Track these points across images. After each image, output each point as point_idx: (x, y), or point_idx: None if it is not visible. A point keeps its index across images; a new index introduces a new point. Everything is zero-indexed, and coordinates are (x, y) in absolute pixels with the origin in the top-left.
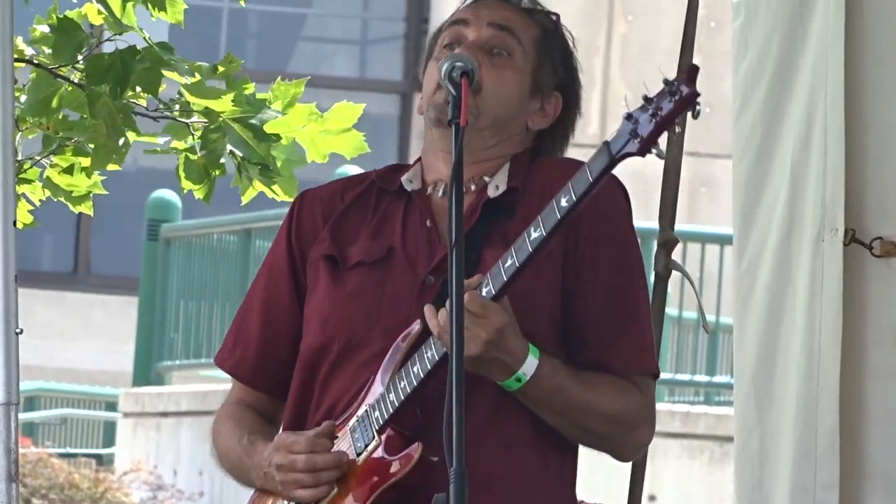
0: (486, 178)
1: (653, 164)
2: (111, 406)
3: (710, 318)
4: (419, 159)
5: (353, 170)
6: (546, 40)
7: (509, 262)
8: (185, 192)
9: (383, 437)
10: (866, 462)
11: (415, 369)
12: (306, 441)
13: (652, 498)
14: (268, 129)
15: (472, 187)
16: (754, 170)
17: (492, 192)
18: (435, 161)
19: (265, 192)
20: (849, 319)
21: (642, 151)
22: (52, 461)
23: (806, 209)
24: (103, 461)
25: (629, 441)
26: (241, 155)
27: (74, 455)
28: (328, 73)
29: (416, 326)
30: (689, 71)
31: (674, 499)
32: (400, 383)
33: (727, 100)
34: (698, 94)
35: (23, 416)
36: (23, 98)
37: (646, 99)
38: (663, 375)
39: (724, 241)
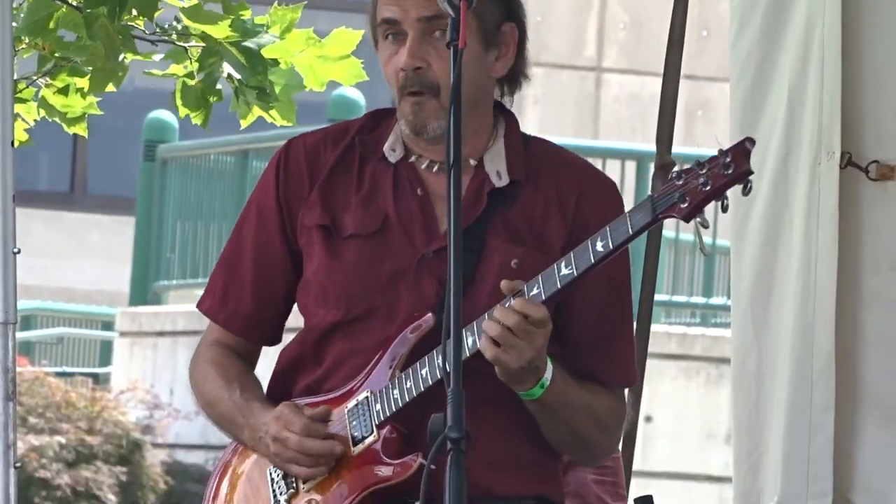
0: (472, 161)
1: (650, 87)
2: (108, 325)
3: (707, 240)
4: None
5: (352, 93)
6: None
7: (535, 291)
8: (183, 117)
9: (382, 432)
10: (861, 386)
11: (423, 372)
12: (302, 424)
13: (648, 419)
14: (265, 53)
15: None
16: (751, 93)
17: (496, 181)
18: (415, 143)
19: (263, 116)
20: (845, 243)
21: (687, 218)
22: (49, 380)
23: (803, 133)
24: (100, 380)
25: (607, 446)
26: (238, 79)
27: (71, 374)
28: None
29: (428, 320)
30: (744, 146)
31: (670, 420)
32: (406, 382)
33: (725, 23)
34: (751, 173)
35: (19, 335)
36: (19, 17)
37: (698, 163)
38: (660, 297)
39: None
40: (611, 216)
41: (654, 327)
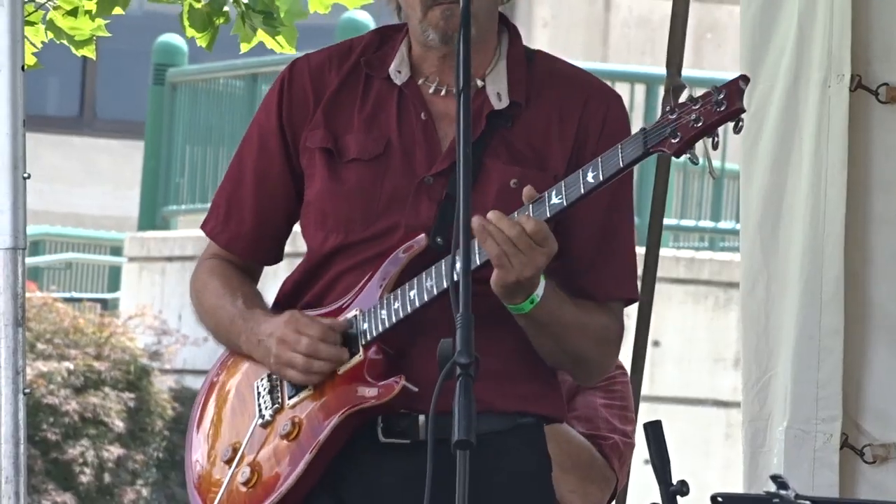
0: (480, 82)
1: (660, 10)
2: (116, 251)
3: (716, 163)
4: (405, 34)
5: (361, 15)
6: None
7: (529, 213)
8: (190, 38)
9: (368, 353)
10: (870, 308)
11: (412, 294)
12: (320, 328)
13: (656, 343)
14: None
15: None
16: (761, 16)
17: (496, 103)
18: (426, 54)
19: (266, 42)
20: (854, 166)
21: (678, 153)
22: (57, 305)
23: (813, 55)
24: (108, 306)
25: (604, 365)
26: (244, 2)
27: (79, 300)
28: None
29: (421, 241)
30: (737, 86)
31: (677, 344)
32: (394, 303)
33: None
34: (744, 111)
35: (28, 260)
36: None
37: (692, 98)
38: (668, 221)
39: None
40: (613, 130)
41: (662, 251)
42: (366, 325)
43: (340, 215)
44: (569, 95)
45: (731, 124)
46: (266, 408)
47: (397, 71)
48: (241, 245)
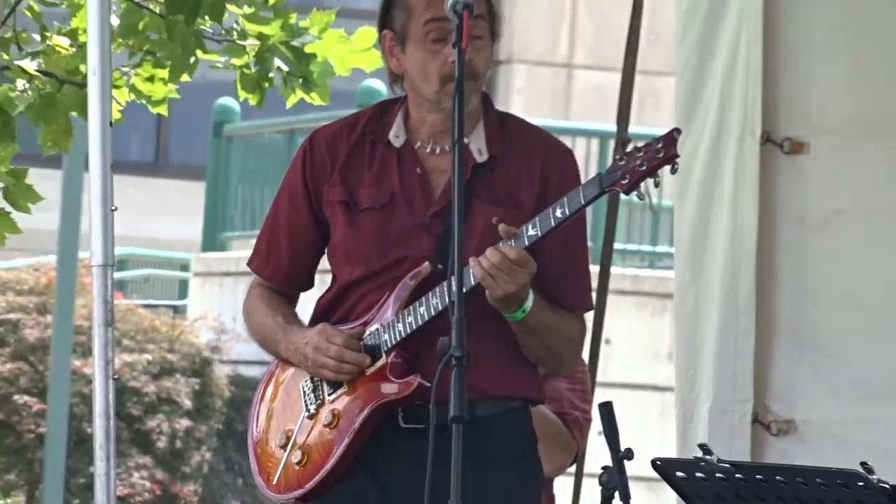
0: (465, 140)
1: (611, 81)
2: (184, 267)
3: (655, 200)
4: (400, 105)
5: (375, 83)
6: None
7: (512, 243)
8: (242, 99)
9: (389, 357)
10: (775, 316)
11: (421, 310)
12: (344, 337)
13: (607, 341)
14: (307, 49)
15: (451, 149)
16: (692, 85)
17: (478, 157)
18: (424, 119)
19: (305, 98)
20: (763, 205)
21: (627, 192)
22: (139, 311)
23: (732, 115)
24: (178, 311)
25: (573, 359)
26: (286, 70)
27: (156, 306)
28: (354, 6)
29: (426, 268)
30: (672, 137)
31: (624, 342)
32: (407, 318)
33: (671, 29)
34: (678, 156)
35: (115, 275)
36: (115, 23)
37: (636, 148)
38: (617, 245)
39: None
40: (568, 176)
41: (612, 269)
42: (386, 336)
43: (360, 253)
44: (534, 150)
45: (668, 167)
46: (311, 403)
47: (395, 136)
48: (279, 278)
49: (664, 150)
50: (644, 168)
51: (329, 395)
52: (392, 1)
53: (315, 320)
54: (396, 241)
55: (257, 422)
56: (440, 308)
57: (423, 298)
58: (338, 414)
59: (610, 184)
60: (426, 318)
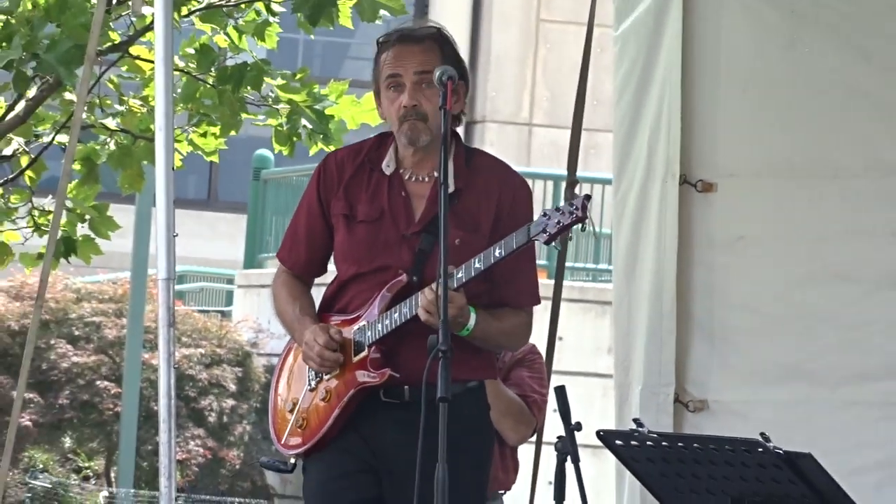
0: (436, 173)
1: (563, 137)
2: (230, 281)
3: (597, 228)
4: (392, 139)
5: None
6: (445, 49)
7: (460, 275)
8: (277, 151)
9: (370, 352)
10: (691, 319)
11: (395, 315)
12: (325, 339)
13: (560, 338)
14: (327, 111)
15: (427, 178)
16: (626, 138)
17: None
18: (405, 152)
19: (325, 149)
20: (682, 233)
21: (547, 242)
22: (194, 315)
23: (657, 161)
24: (225, 315)
25: (516, 346)
26: (310, 127)
27: (207, 311)
28: (363, 78)
29: (402, 279)
30: (584, 202)
31: (574, 339)
32: (385, 320)
33: (609, 94)
34: (586, 217)
35: (176, 287)
36: (177, 92)
37: (556, 208)
38: (568, 263)
39: (606, 182)
40: (520, 204)
41: (565, 282)
42: (369, 333)
43: (354, 255)
44: (492, 181)
45: (578, 225)
46: (312, 379)
47: (387, 165)
48: (298, 267)
49: (577, 212)
50: (559, 225)
51: (325, 375)
52: (375, 64)
53: (323, 306)
54: (383, 249)
55: (277, 389)
56: (409, 316)
57: (398, 306)
58: (330, 391)
59: (535, 234)
60: (398, 322)
